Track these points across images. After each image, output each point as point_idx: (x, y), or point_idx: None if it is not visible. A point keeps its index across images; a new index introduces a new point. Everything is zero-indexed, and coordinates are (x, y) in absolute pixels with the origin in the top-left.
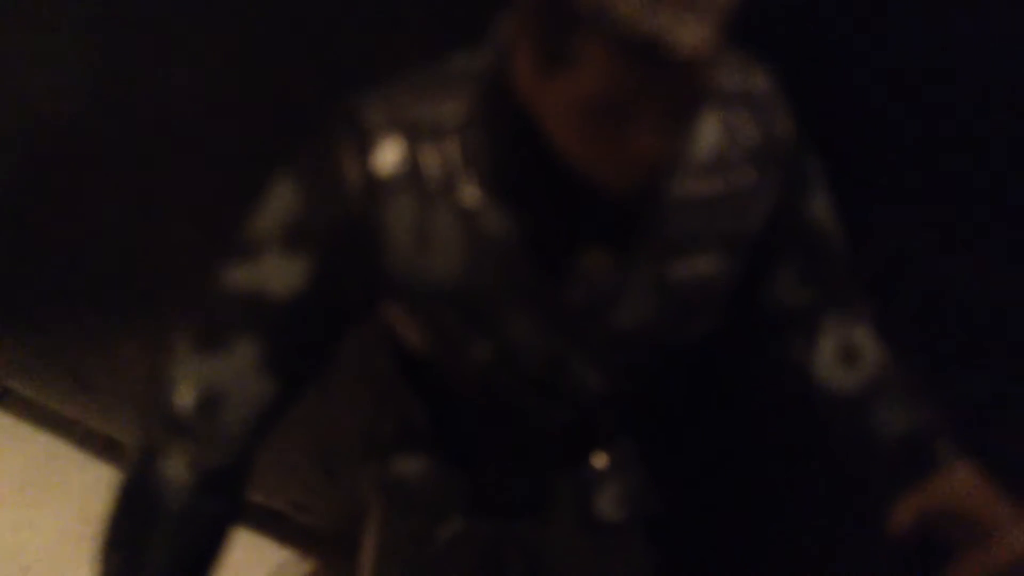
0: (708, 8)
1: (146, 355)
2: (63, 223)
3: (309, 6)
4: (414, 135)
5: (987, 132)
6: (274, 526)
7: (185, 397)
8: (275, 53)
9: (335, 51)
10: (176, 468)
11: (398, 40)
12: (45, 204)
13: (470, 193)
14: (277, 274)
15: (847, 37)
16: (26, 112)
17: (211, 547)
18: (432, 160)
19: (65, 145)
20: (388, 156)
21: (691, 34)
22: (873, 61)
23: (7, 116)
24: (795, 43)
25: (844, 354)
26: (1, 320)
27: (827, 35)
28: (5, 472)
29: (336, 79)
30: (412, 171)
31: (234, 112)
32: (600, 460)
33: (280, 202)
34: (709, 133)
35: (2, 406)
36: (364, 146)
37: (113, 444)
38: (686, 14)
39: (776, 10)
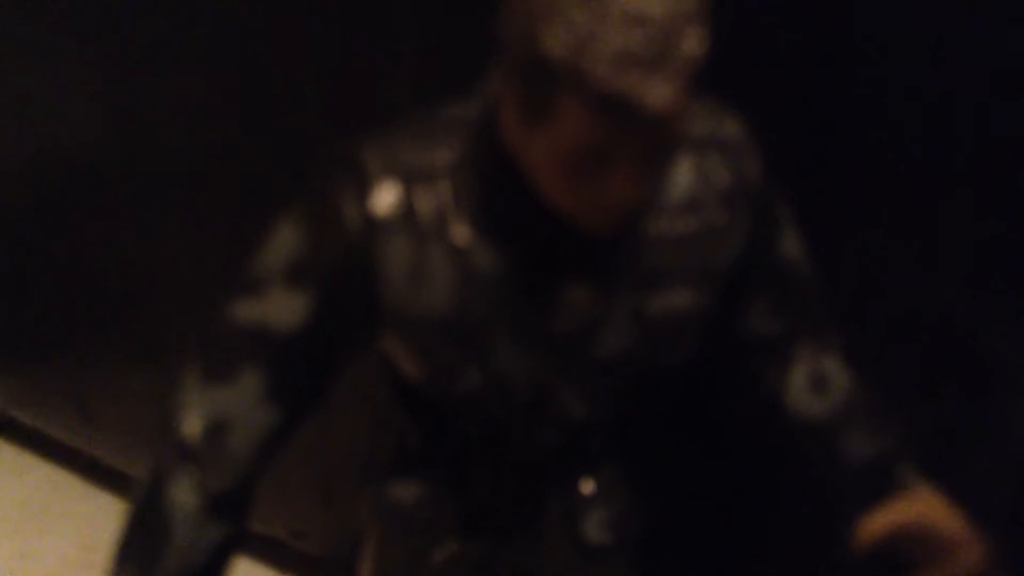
0: (675, 68)
1: (151, 386)
2: (69, 254)
3: (314, 56)
4: (409, 179)
5: (950, 167)
6: (273, 554)
7: (193, 425)
8: (281, 94)
9: (337, 97)
10: (184, 492)
11: (395, 89)
12: (51, 235)
13: (461, 232)
14: (281, 308)
15: (814, 75)
16: (32, 144)
17: (217, 568)
18: (426, 202)
19: (71, 178)
20: (385, 198)
21: (659, 93)
22: (838, 98)
23: (13, 149)
24: (764, 82)
25: (815, 382)
26: (6, 350)
27: (795, 73)
28: (7, 501)
29: (338, 124)
30: (407, 212)
31: (239, 150)
32: (587, 485)
33: (284, 240)
34: (683, 176)
35: (4, 436)
36: (363, 189)
37: (115, 474)
38: (654, 74)
39: (748, 48)
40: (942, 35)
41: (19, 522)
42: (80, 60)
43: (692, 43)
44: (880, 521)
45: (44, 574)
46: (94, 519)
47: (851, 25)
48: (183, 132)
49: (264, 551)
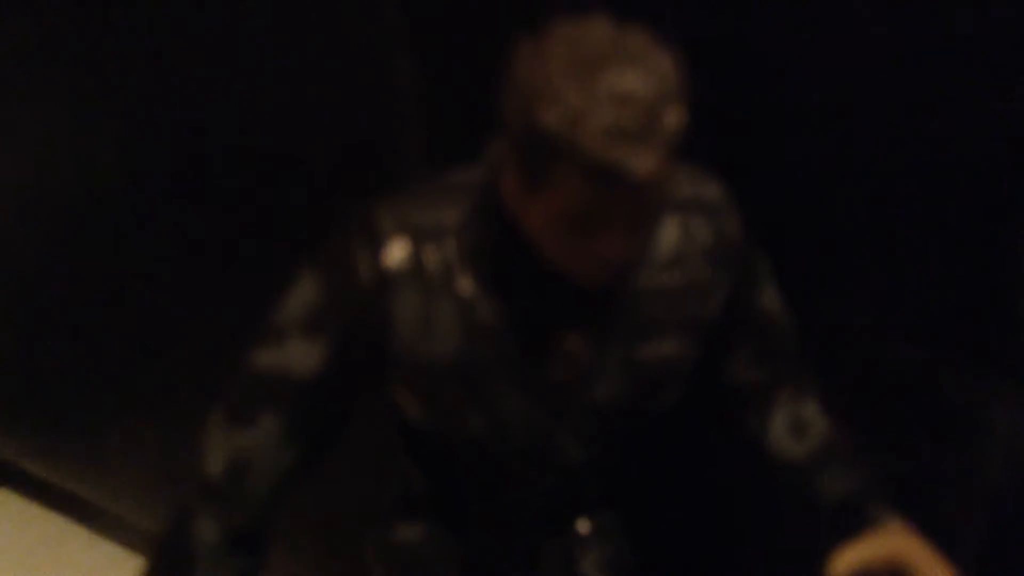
0: (659, 140)
1: (163, 437)
2: (81, 307)
3: (322, 128)
4: (418, 236)
5: (920, 221)
6: None
7: (216, 465)
8: (294, 167)
9: (344, 166)
10: (207, 528)
11: (401, 158)
12: (63, 287)
13: (466, 285)
14: (299, 357)
15: (786, 139)
16: (45, 195)
17: None
18: (433, 257)
19: (84, 228)
20: (396, 254)
21: (644, 162)
22: (808, 153)
23: (23, 199)
24: (740, 148)
25: (794, 427)
26: (17, 402)
27: (770, 136)
28: (13, 549)
29: (347, 192)
30: (416, 267)
31: (248, 213)
32: (584, 526)
33: (303, 293)
34: (669, 234)
35: (12, 485)
36: (376, 246)
37: (121, 523)
38: (640, 145)
39: (724, 117)
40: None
41: (24, 571)
42: (88, 112)
43: (673, 118)
44: (852, 554)
45: None
46: (101, 570)
47: (822, 82)
48: (195, 194)
49: None
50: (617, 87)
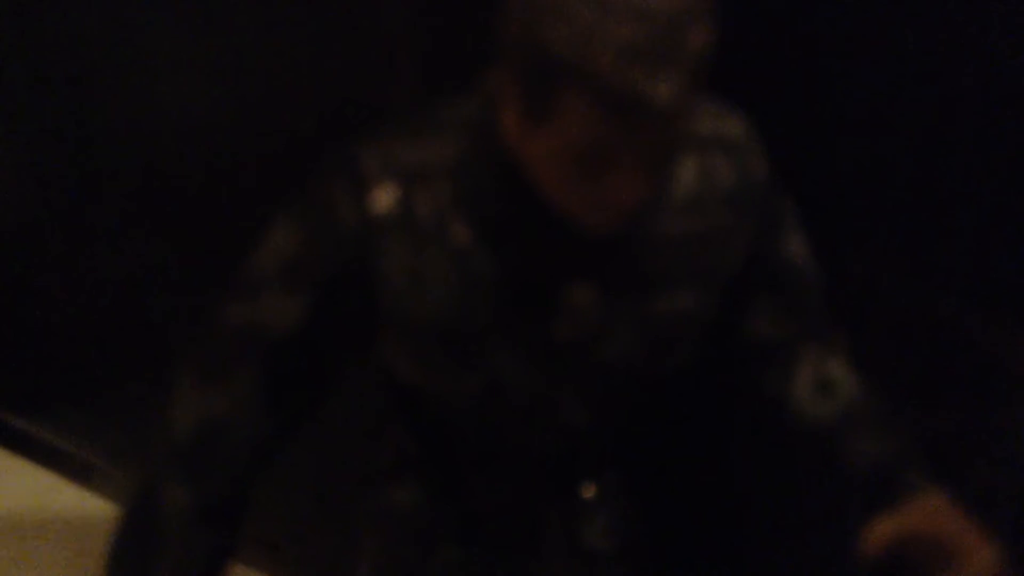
0: (680, 63)
1: (154, 386)
2: (69, 255)
3: (304, 54)
4: (407, 179)
5: (960, 168)
6: (267, 558)
7: (184, 429)
8: (271, 96)
9: (331, 95)
10: (176, 499)
11: (389, 89)
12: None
13: (459, 234)
14: (275, 311)
15: (822, 75)
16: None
17: (210, 574)
18: (424, 203)
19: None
20: (383, 200)
21: (664, 87)
22: (845, 99)
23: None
24: (770, 82)
25: (819, 385)
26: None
27: (802, 73)
28: (2, 507)
29: (331, 123)
30: (406, 214)
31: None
32: (588, 491)
33: (279, 243)
34: (686, 176)
35: None
36: (360, 191)
37: (110, 479)
38: (659, 68)
39: (755, 46)
40: (947, 35)
41: (15, 528)
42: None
43: (698, 38)
44: (884, 528)
45: None
46: (91, 526)
47: (858, 25)
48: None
49: (258, 555)
50: (634, 0)
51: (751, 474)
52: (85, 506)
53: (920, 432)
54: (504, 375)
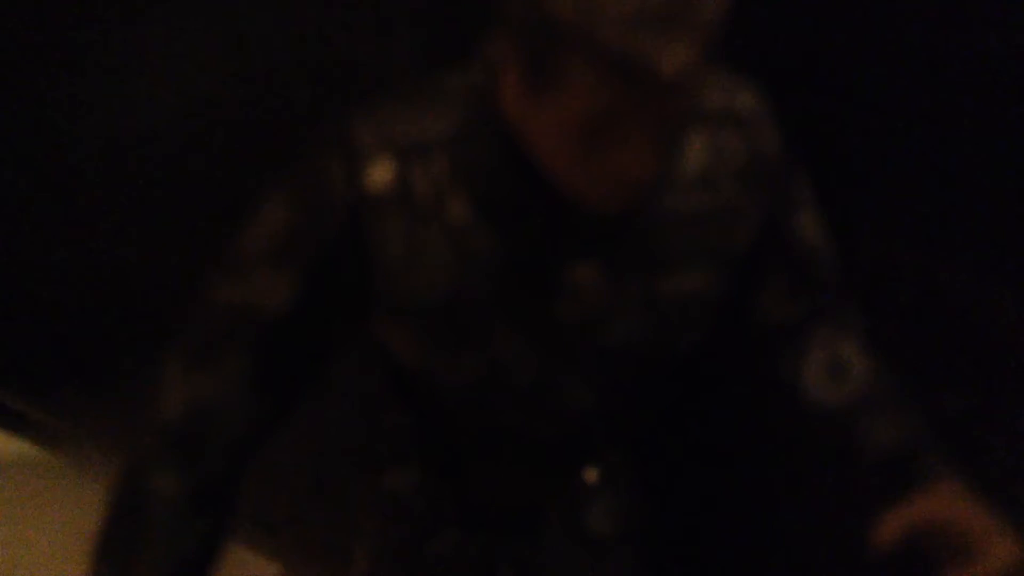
0: (691, 31)
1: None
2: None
3: (300, 21)
4: (403, 153)
5: (977, 145)
6: (265, 540)
7: (173, 410)
8: (266, 65)
9: (327, 64)
10: (166, 482)
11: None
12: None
13: (458, 210)
14: (266, 290)
15: (838, 50)
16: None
17: (201, 562)
18: (421, 178)
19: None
20: (378, 175)
21: (674, 57)
22: (862, 72)
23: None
24: (784, 55)
25: (832, 368)
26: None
27: (817, 47)
28: None
29: (327, 93)
30: (402, 190)
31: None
32: (591, 475)
33: (269, 219)
34: (696, 151)
35: None
36: (354, 166)
37: (108, 460)
38: (669, 36)
39: (766, 24)
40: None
41: (11, 510)
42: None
43: (711, 6)
44: (898, 519)
45: (35, 562)
46: (88, 507)
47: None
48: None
49: (255, 537)
50: None
51: (757, 460)
52: (82, 488)
53: (936, 413)
54: (505, 357)
